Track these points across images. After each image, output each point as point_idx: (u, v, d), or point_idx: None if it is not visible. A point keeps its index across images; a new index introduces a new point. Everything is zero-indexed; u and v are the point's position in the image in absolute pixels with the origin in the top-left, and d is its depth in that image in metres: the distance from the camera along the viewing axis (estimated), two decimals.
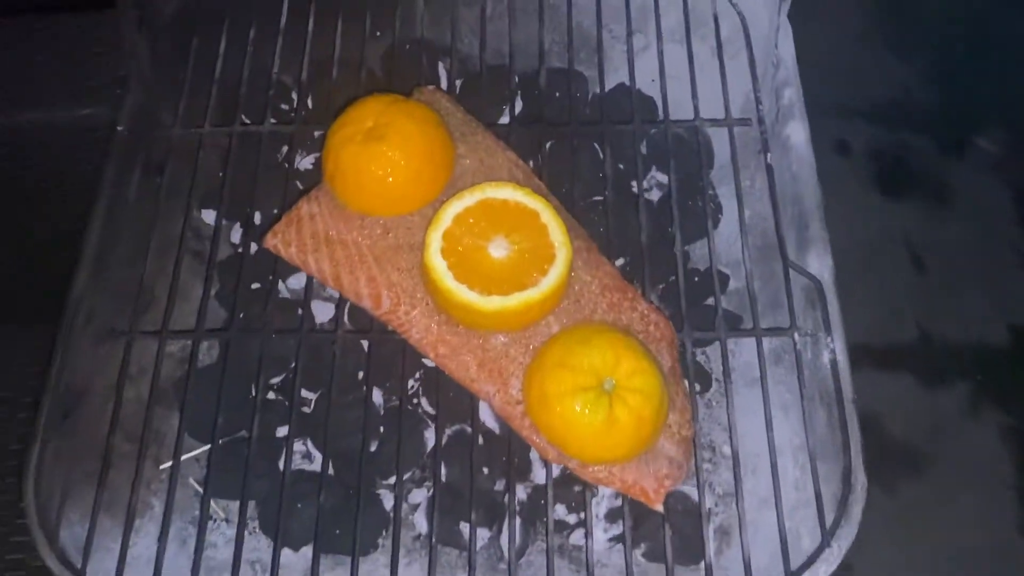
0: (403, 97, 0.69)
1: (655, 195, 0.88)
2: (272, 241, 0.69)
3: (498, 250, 0.62)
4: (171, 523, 0.64)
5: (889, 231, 1.02)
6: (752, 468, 0.73)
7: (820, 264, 0.70)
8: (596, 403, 0.59)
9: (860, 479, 0.63)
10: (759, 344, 0.68)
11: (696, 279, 0.80)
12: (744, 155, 0.79)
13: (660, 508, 0.62)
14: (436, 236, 0.62)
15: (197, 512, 0.75)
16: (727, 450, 0.78)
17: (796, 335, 0.68)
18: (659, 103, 0.79)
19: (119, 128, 0.78)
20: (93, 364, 0.71)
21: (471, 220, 0.63)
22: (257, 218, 0.84)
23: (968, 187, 1.02)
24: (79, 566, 0.62)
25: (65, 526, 0.64)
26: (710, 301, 0.79)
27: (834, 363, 0.66)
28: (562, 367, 0.60)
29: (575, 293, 0.66)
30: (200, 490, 0.76)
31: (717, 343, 0.69)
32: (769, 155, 0.75)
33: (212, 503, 0.76)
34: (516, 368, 0.64)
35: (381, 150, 0.65)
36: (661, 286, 0.81)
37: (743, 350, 0.79)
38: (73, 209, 0.77)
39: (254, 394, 0.74)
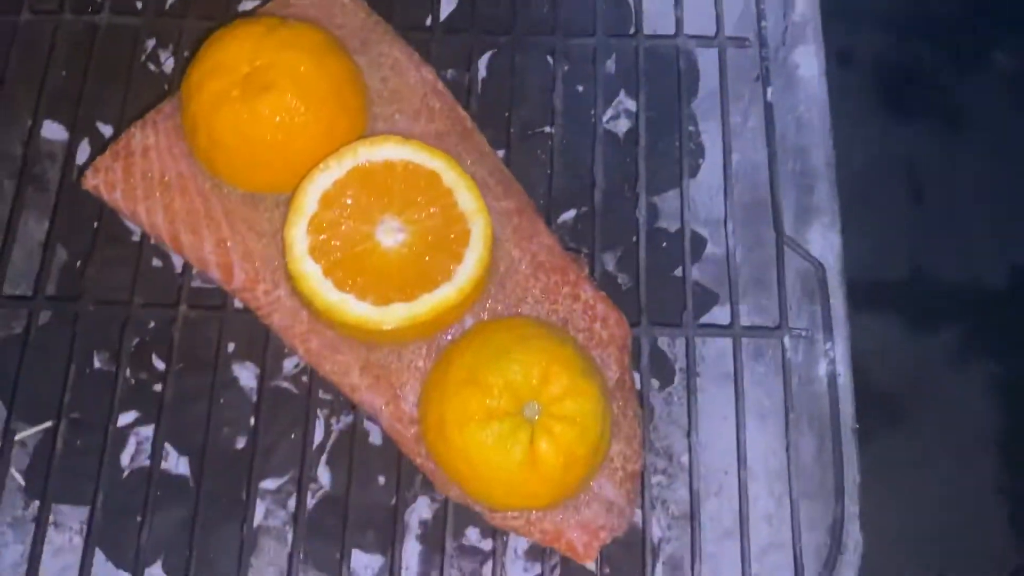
0: (279, 18, 0.50)
1: (622, 126, 0.70)
2: (92, 181, 0.51)
3: (389, 236, 0.45)
4: None
5: (890, 155, 0.91)
6: (716, 488, 0.59)
7: (824, 243, 0.54)
8: (512, 436, 0.43)
9: (854, 536, 0.48)
10: (737, 346, 0.52)
11: (664, 243, 0.63)
12: (737, 82, 0.62)
13: (591, 565, 0.47)
14: (299, 231, 0.45)
15: (19, 512, 0.60)
16: (687, 461, 0.63)
17: (786, 338, 0.52)
18: (631, 7, 0.61)
19: None
20: None
21: (346, 198, 0.45)
22: (108, 133, 0.65)
23: (982, 110, 0.91)
24: None
25: None
26: (680, 272, 0.62)
27: (833, 378, 0.51)
28: (469, 384, 0.44)
29: (499, 274, 0.49)
30: (23, 483, 0.60)
31: None
32: (770, 89, 0.57)
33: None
34: (412, 375, 0.47)
35: (272, 103, 0.46)
36: (620, 250, 0.64)
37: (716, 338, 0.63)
38: None
39: (97, 366, 0.58)
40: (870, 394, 0.65)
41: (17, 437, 0.58)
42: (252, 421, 0.59)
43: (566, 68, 0.59)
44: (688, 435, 0.50)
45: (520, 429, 0.43)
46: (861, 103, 0.98)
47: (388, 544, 0.58)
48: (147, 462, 0.59)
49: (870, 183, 0.90)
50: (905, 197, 0.98)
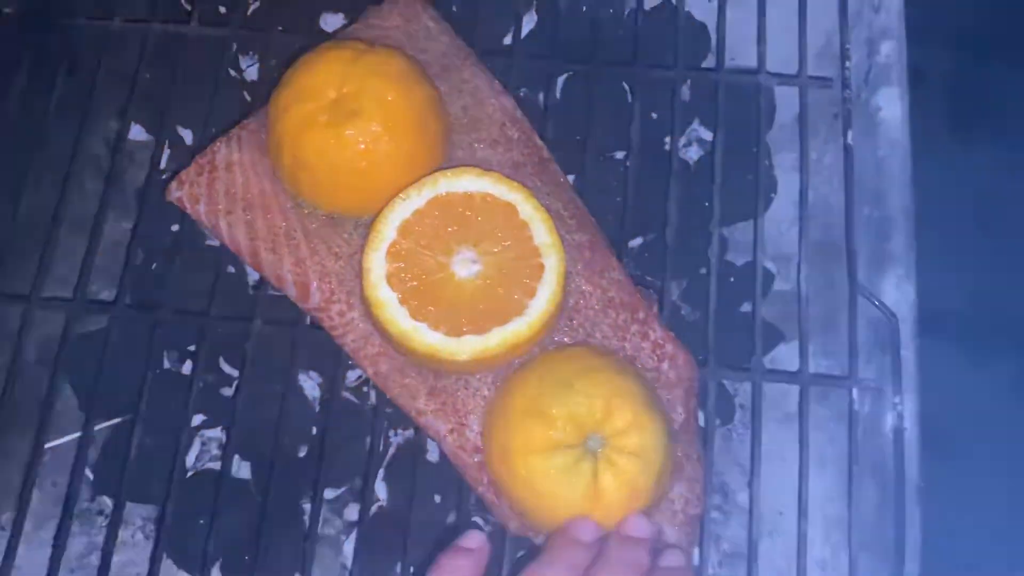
0: (366, 44, 0.50)
1: (693, 154, 0.69)
2: (176, 193, 0.52)
3: (466, 267, 0.46)
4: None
5: (957, 179, 0.91)
6: (769, 528, 0.58)
7: (898, 294, 0.53)
8: (575, 468, 0.44)
9: None
10: (804, 395, 0.51)
11: (731, 277, 0.63)
12: (814, 118, 0.61)
13: None
14: (378, 257, 0.45)
15: (84, 504, 0.62)
16: (742, 499, 0.63)
17: (855, 390, 0.51)
18: (712, 38, 0.60)
19: (5, 10, 0.60)
20: None
21: (424, 228, 0.46)
22: (188, 138, 0.67)
23: None
24: None
25: None
26: (747, 307, 0.62)
27: (899, 433, 0.50)
28: (533, 415, 0.44)
29: (568, 308, 0.49)
30: (91, 477, 0.62)
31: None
32: (850, 132, 0.56)
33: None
34: (478, 404, 0.48)
35: (359, 131, 0.47)
36: (686, 281, 0.63)
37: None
38: None
39: (166, 367, 0.60)
40: (927, 426, 0.64)
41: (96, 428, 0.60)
42: (314, 431, 0.60)
43: (642, 96, 0.59)
44: (750, 483, 0.50)
45: (583, 461, 0.44)
46: (930, 125, 0.97)
47: None
48: (211, 465, 0.61)
49: (932, 207, 0.89)
50: (969, 225, 0.97)
